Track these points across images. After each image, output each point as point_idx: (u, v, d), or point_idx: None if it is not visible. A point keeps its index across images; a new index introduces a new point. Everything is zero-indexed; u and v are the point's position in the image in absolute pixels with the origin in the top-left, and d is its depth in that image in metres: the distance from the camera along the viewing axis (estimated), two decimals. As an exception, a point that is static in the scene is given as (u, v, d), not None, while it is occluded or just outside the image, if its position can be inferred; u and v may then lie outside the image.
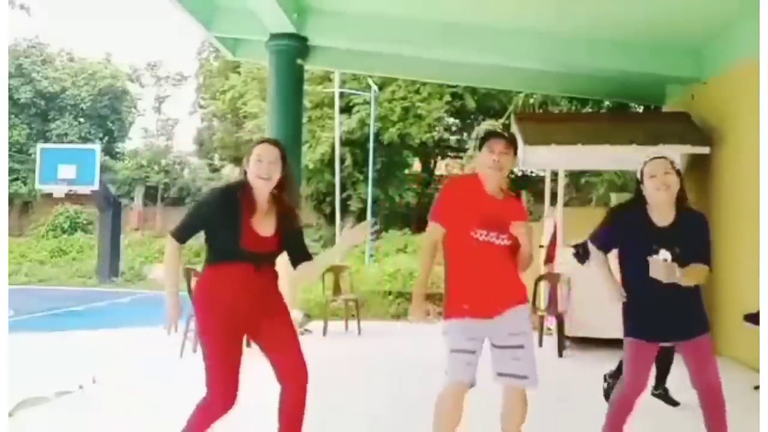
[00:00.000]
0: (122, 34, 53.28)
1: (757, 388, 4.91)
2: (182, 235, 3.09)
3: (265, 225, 3.06)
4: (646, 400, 4.61)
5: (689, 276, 3.13)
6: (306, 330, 8.58)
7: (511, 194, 3.33)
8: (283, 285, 3.23)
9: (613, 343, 4.91)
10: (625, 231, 3.30)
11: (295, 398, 3.20)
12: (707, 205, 7.74)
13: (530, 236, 3.15)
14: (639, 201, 3.30)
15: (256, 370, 3.25)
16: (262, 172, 3.03)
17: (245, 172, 3.09)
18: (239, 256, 2.99)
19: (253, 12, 8.04)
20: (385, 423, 4.36)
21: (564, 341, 7.10)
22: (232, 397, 3.06)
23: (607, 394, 4.51)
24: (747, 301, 5.78)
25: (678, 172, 3.28)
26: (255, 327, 3.13)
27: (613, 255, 3.44)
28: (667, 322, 3.27)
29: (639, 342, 3.31)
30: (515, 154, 3.18)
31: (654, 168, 3.26)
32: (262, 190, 3.06)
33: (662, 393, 4.86)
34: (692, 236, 3.23)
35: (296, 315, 8.75)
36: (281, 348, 3.16)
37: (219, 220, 3.01)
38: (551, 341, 7.11)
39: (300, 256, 3.23)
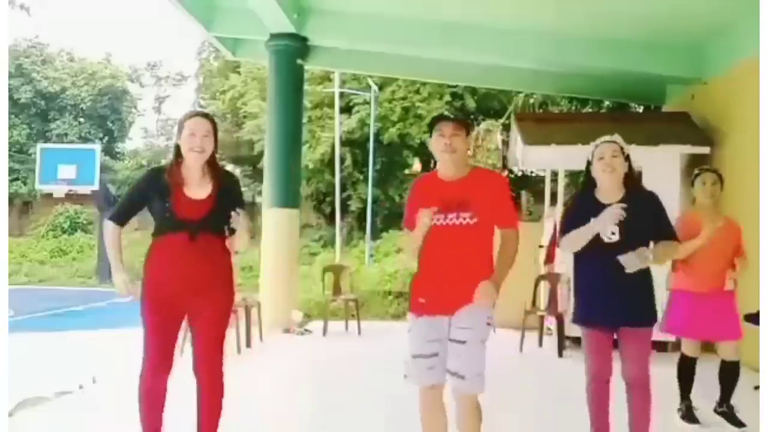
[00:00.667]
0: (122, 34, 53.31)
1: (757, 388, 4.91)
2: (119, 216, 3.20)
3: (198, 190, 3.08)
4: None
5: (661, 255, 3.26)
6: (306, 330, 8.59)
7: (478, 168, 3.11)
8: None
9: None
10: (578, 214, 3.36)
11: (204, 396, 3.16)
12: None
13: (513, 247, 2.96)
14: (588, 184, 3.43)
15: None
16: (194, 145, 3.06)
17: (177, 146, 3.12)
18: (174, 226, 3.04)
19: (253, 12, 8.05)
20: (385, 423, 4.35)
21: (564, 341, 7.09)
22: (162, 370, 3.13)
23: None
24: (747, 301, 5.77)
25: (627, 157, 3.40)
26: (189, 301, 3.10)
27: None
28: (614, 306, 3.29)
29: (588, 331, 3.39)
30: (468, 134, 3.02)
31: (602, 151, 3.38)
32: (195, 163, 3.08)
33: (726, 412, 4.47)
34: (643, 213, 3.24)
35: (296, 315, 8.77)
36: (201, 337, 3.13)
37: (152, 194, 3.09)
38: (551, 341, 7.11)
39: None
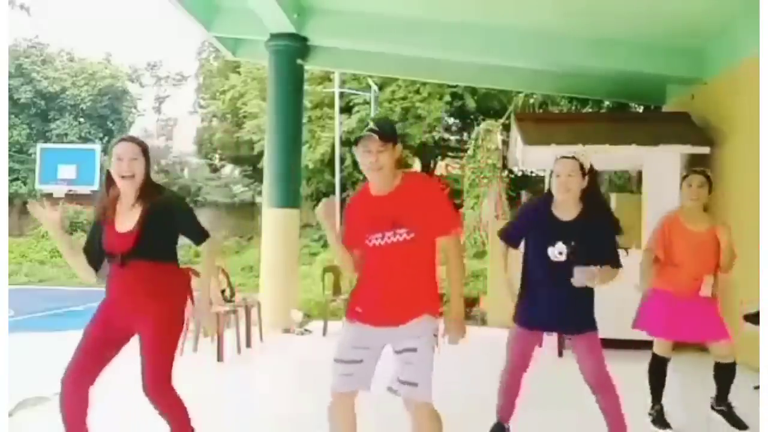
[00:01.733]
0: (122, 34, 53.32)
1: (757, 388, 4.91)
2: (87, 246, 3.19)
3: (126, 221, 3.07)
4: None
5: (601, 277, 3.28)
6: (306, 330, 8.59)
7: (408, 175, 3.00)
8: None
9: (612, 343, 4.91)
10: (529, 224, 3.48)
11: (162, 414, 3.16)
12: (707, 206, 7.74)
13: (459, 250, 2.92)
14: (548, 195, 3.47)
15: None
16: (122, 170, 3.04)
17: (108, 173, 3.11)
18: (108, 258, 3.10)
19: (253, 12, 8.05)
20: (385, 423, 4.35)
21: (564, 341, 7.09)
22: (82, 383, 3.21)
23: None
24: (747, 301, 5.77)
25: (584, 174, 3.36)
26: (127, 325, 3.13)
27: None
28: (552, 314, 3.43)
29: (521, 329, 3.57)
30: (395, 145, 2.88)
31: (559, 168, 3.35)
32: (127, 188, 3.06)
33: (724, 410, 4.47)
34: (595, 233, 3.27)
35: (296, 315, 8.77)
36: (143, 359, 3.13)
37: (95, 229, 3.14)
38: (551, 341, 7.10)
39: (193, 237, 3.17)
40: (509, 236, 3.64)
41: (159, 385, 3.07)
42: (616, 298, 5.00)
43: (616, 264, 3.38)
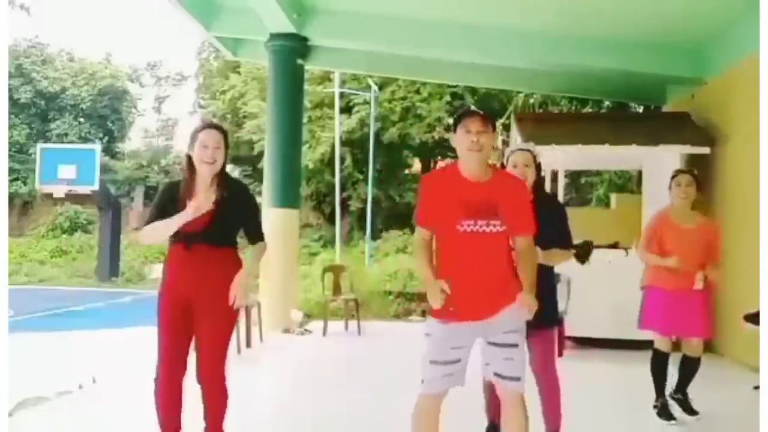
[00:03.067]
0: (122, 34, 53.31)
1: (757, 388, 4.91)
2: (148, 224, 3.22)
3: (200, 205, 3.11)
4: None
5: (553, 258, 3.56)
6: (306, 330, 8.59)
7: (500, 170, 3.06)
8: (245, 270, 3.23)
9: (613, 343, 4.91)
10: None
11: (207, 402, 3.20)
12: (707, 206, 7.74)
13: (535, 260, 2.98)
14: None
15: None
16: (206, 156, 3.11)
17: (189, 157, 3.17)
18: (175, 237, 3.13)
19: (253, 12, 8.05)
20: (384, 423, 4.35)
21: (564, 341, 7.09)
22: (177, 365, 3.18)
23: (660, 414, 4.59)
24: (747, 301, 5.78)
25: (538, 165, 3.61)
26: (192, 308, 3.17)
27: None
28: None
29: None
30: (494, 130, 2.89)
31: (515, 159, 3.57)
32: (207, 173, 3.14)
33: (680, 398, 4.65)
34: (546, 220, 3.32)
35: (296, 315, 8.77)
36: (202, 344, 3.18)
37: (166, 207, 3.15)
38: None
39: (249, 235, 3.28)
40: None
41: (216, 370, 3.16)
42: (616, 298, 5.01)
43: (568, 245, 3.67)
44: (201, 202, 3.03)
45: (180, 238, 3.13)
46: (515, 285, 2.87)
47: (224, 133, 3.19)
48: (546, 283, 3.42)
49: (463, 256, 2.82)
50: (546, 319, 3.49)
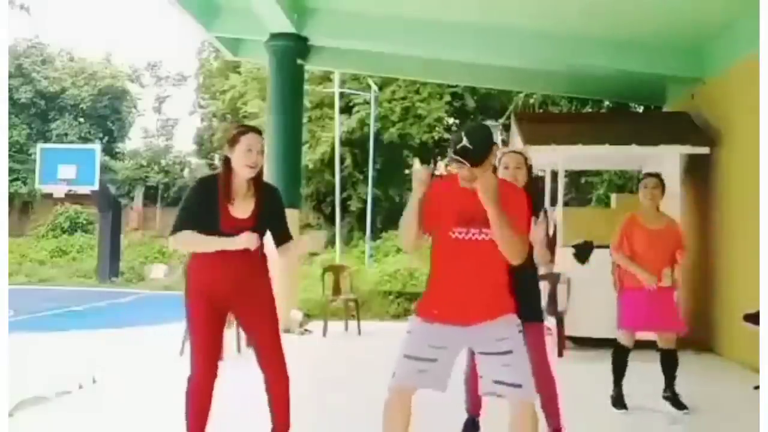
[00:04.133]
0: (122, 34, 53.29)
1: (757, 388, 4.91)
2: (184, 227, 3.17)
3: (242, 208, 3.16)
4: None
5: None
6: (306, 330, 8.59)
7: (500, 179, 3.00)
8: (277, 266, 3.36)
9: (613, 343, 4.92)
10: None
11: (275, 384, 3.30)
12: (707, 205, 7.75)
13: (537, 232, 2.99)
14: None
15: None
16: (250, 161, 3.13)
17: (227, 159, 3.17)
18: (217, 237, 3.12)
19: (253, 12, 8.05)
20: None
21: (564, 341, 7.10)
22: (211, 373, 3.22)
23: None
24: (747, 301, 5.78)
25: (529, 168, 3.73)
26: (236, 307, 3.25)
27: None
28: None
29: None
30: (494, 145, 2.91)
31: (507, 161, 3.68)
32: (246, 177, 3.16)
33: (670, 396, 4.77)
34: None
35: (296, 315, 8.77)
36: (258, 335, 3.30)
37: (201, 207, 3.15)
38: (551, 341, 7.10)
39: (280, 235, 3.33)
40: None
41: (280, 355, 3.31)
42: (616, 298, 5.01)
43: (551, 246, 3.72)
44: (252, 240, 3.09)
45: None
46: (510, 299, 2.87)
47: (263, 139, 3.26)
48: (528, 277, 3.47)
49: (454, 262, 2.84)
50: (530, 313, 3.47)
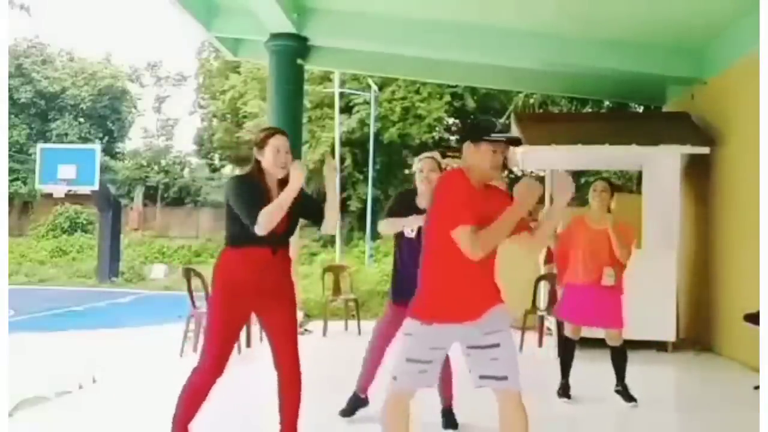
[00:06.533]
0: (122, 34, 53.32)
1: (757, 388, 4.92)
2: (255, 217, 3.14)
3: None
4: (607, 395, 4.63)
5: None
6: (306, 330, 8.58)
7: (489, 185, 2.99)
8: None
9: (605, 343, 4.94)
10: (399, 211, 4.18)
11: (288, 385, 3.34)
12: (707, 205, 7.75)
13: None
14: (412, 189, 4.28)
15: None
16: (280, 162, 3.24)
17: (258, 161, 3.29)
18: (258, 240, 3.14)
19: (253, 12, 8.04)
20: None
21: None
22: (221, 368, 3.23)
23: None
24: (747, 301, 5.78)
25: (443, 170, 4.11)
26: (264, 307, 3.29)
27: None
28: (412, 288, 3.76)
29: (390, 305, 4.32)
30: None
31: (422, 165, 4.16)
32: (278, 176, 3.26)
33: (621, 390, 4.89)
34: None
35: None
36: (280, 335, 3.33)
37: (255, 196, 3.19)
38: (551, 341, 7.11)
39: (316, 214, 3.40)
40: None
41: (297, 357, 3.34)
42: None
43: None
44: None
45: (263, 241, 3.14)
46: (496, 289, 2.91)
47: (289, 140, 3.34)
48: None
49: (454, 262, 2.83)
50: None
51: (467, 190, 2.83)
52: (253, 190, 3.21)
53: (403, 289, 3.89)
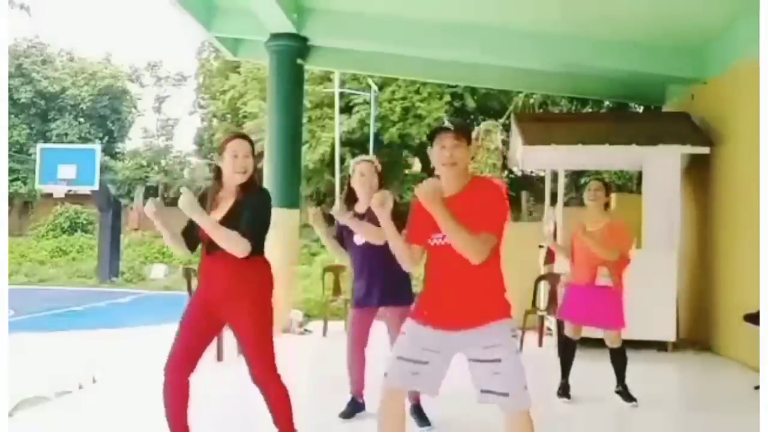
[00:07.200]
0: (122, 34, 53.35)
1: (757, 388, 4.92)
2: (184, 230, 3.32)
3: (219, 212, 3.17)
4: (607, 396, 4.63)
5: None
6: (306, 330, 8.59)
7: (477, 178, 2.93)
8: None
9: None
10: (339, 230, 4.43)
11: (270, 401, 3.24)
12: (707, 205, 7.75)
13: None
14: (350, 194, 4.31)
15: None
16: (238, 167, 3.15)
17: (218, 168, 3.22)
18: (202, 244, 3.20)
19: (253, 12, 8.04)
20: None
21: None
22: (181, 368, 3.21)
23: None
24: (747, 301, 5.78)
25: (380, 174, 4.27)
26: (226, 316, 3.22)
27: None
28: (375, 291, 4.21)
29: (356, 310, 4.39)
30: (469, 143, 2.86)
31: (361, 168, 4.23)
32: (236, 183, 3.18)
33: (621, 390, 4.90)
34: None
35: (296, 315, 8.78)
36: (242, 345, 3.24)
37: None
38: (551, 341, 7.11)
39: (240, 230, 3.10)
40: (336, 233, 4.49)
41: (267, 372, 3.20)
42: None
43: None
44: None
45: (203, 245, 3.20)
46: (502, 303, 2.82)
47: (252, 144, 3.23)
48: (396, 270, 3.29)
49: (438, 267, 2.85)
50: (397, 297, 4.14)
51: (417, 205, 2.83)
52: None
53: (360, 294, 4.30)
